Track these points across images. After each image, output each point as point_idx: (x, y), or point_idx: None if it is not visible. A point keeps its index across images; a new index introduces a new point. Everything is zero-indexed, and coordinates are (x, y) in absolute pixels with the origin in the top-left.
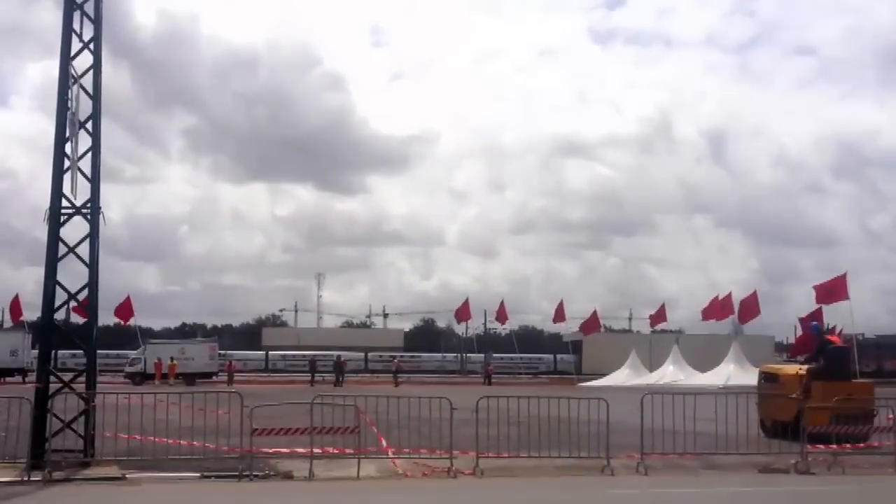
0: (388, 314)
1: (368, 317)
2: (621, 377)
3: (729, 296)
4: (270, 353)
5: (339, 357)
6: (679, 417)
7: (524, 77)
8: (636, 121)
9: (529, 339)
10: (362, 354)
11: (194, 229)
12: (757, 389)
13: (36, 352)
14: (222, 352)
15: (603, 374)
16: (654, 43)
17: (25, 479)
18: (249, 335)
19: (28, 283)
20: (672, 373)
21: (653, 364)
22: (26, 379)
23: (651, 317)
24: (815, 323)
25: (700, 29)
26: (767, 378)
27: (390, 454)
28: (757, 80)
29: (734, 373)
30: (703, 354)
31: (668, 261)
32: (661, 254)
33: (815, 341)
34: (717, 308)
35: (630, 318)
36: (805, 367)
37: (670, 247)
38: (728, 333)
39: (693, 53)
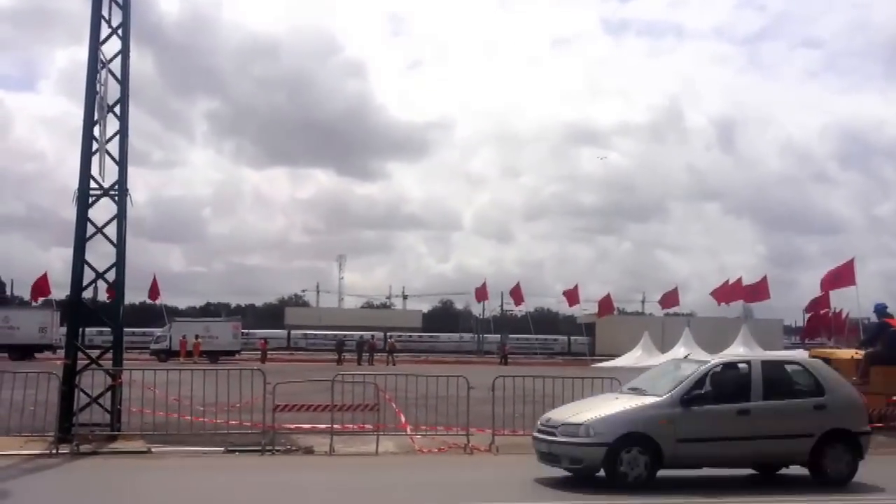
0: (407, 296)
1: (388, 298)
2: (634, 358)
3: (740, 280)
4: (292, 332)
5: (371, 336)
6: None
7: (538, 66)
8: (648, 109)
9: (544, 321)
10: (382, 334)
11: (218, 212)
12: None
13: (64, 329)
14: (245, 331)
15: (616, 356)
16: (666, 34)
17: (53, 451)
18: (272, 315)
19: (56, 262)
20: (683, 354)
21: (665, 346)
22: (38, 356)
23: (663, 300)
24: (880, 303)
25: (710, 21)
26: None
27: (408, 431)
28: (765, 72)
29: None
30: (714, 337)
31: (679, 246)
32: (672, 239)
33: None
34: (729, 291)
35: (643, 301)
36: (861, 351)
37: (681, 232)
38: (738, 317)
39: (703, 44)
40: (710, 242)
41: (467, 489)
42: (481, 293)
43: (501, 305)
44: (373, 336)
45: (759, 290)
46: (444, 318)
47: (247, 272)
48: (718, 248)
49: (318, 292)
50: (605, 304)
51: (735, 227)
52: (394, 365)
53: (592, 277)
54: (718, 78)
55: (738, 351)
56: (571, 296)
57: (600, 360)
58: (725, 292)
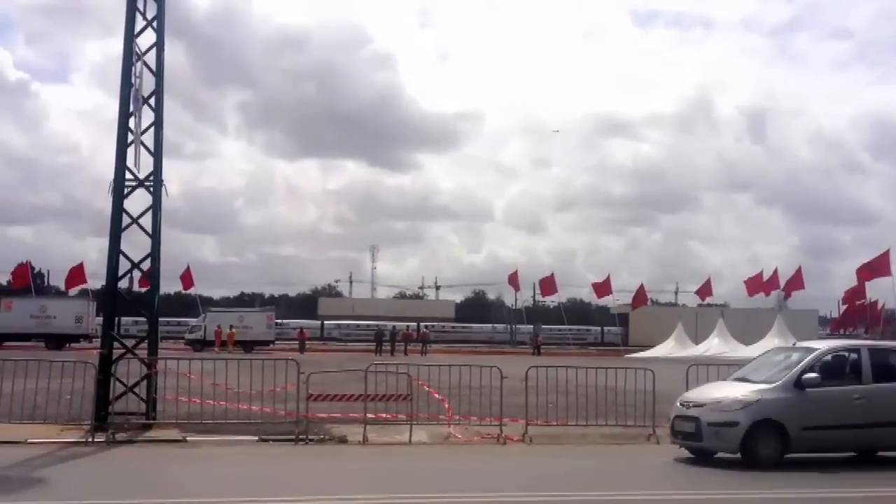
0: (439, 286)
1: (421, 288)
2: (667, 349)
3: (774, 271)
4: (326, 322)
5: (406, 327)
6: None
7: (568, 57)
8: (677, 100)
9: (577, 312)
10: (415, 324)
11: (251, 202)
12: None
13: (100, 319)
14: (279, 321)
15: (649, 346)
16: (694, 25)
17: (89, 440)
18: (305, 305)
19: (91, 252)
20: (717, 345)
21: (698, 337)
22: (74, 346)
23: (697, 290)
24: None
25: (738, 12)
26: None
27: (447, 417)
28: (794, 63)
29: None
30: (748, 328)
31: (711, 236)
32: (703, 230)
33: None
34: (762, 283)
35: (676, 292)
36: None
37: (713, 223)
38: (772, 308)
39: (732, 36)
40: (742, 233)
41: (501, 478)
42: (514, 281)
43: (534, 296)
44: (407, 327)
45: (793, 281)
46: (476, 308)
47: (280, 262)
48: (751, 238)
49: (350, 282)
50: (640, 295)
51: (767, 217)
52: (425, 355)
53: (624, 268)
54: (747, 69)
55: (773, 342)
56: (601, 287)
57: (634, 351)
58: (759, 283)
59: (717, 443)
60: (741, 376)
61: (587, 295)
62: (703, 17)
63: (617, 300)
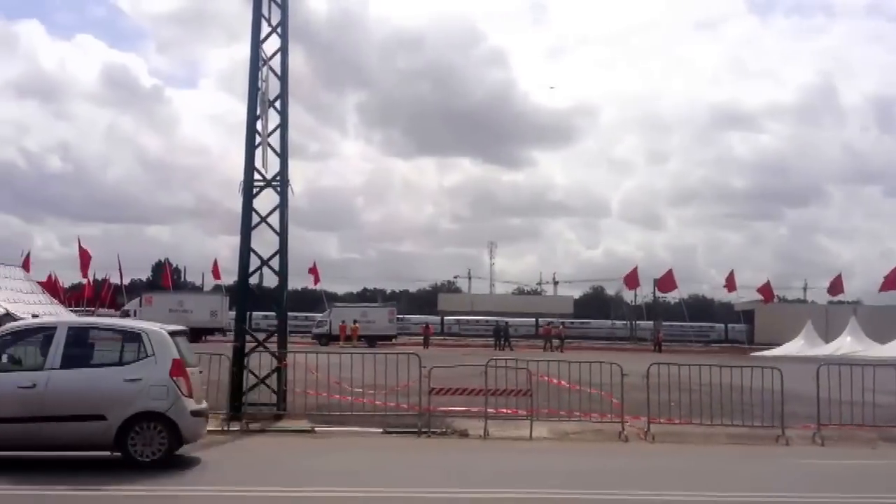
0: (557, 282)
1: (539, 284)
2: (795, 348)
3: None
4: (445, 317)
5: (549, 322)
6: (857, 389)
7: (682, 49)
8: (798, 91)
9: (699, 308)
10: (533, 320)
11: (370, 200)
12: None
13: (233, 313)
14: (400, 316)
15: (776, 345)
16: (815, 13)
17: (225, 428)
18: (426, 300)
19: (223, 249)
20: (849, 344)
21: (829, 335)
22: (208, 339)
23: (829, 286)
24: None
25: None
26: None
27: (565, 416)
28: None
29: None
30: (883, 326)
31: (839, 231)
32: (830, 224)
33: None
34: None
35: (805, 289)
36: None
37: (840, 216)
38: None
39: (855, 23)
40: (873, 227)
41: (623, 476)
42: (632, 281)
43: (654, 291)
44: (549, 322)
45: None
46: (595, 304)
47: (399, 259)
48: (882, 232)
49: (469, 278)
50: (768, 291)
51: None
52: (562, 352)
53: (746, 264)
54: (873, 57)
55: None
56: (731, 282)
57: (760, 349)
58: (893, 279)
59: None
60: None
61: (709, 291)
62: (824, 4)
63: (741, 297)
